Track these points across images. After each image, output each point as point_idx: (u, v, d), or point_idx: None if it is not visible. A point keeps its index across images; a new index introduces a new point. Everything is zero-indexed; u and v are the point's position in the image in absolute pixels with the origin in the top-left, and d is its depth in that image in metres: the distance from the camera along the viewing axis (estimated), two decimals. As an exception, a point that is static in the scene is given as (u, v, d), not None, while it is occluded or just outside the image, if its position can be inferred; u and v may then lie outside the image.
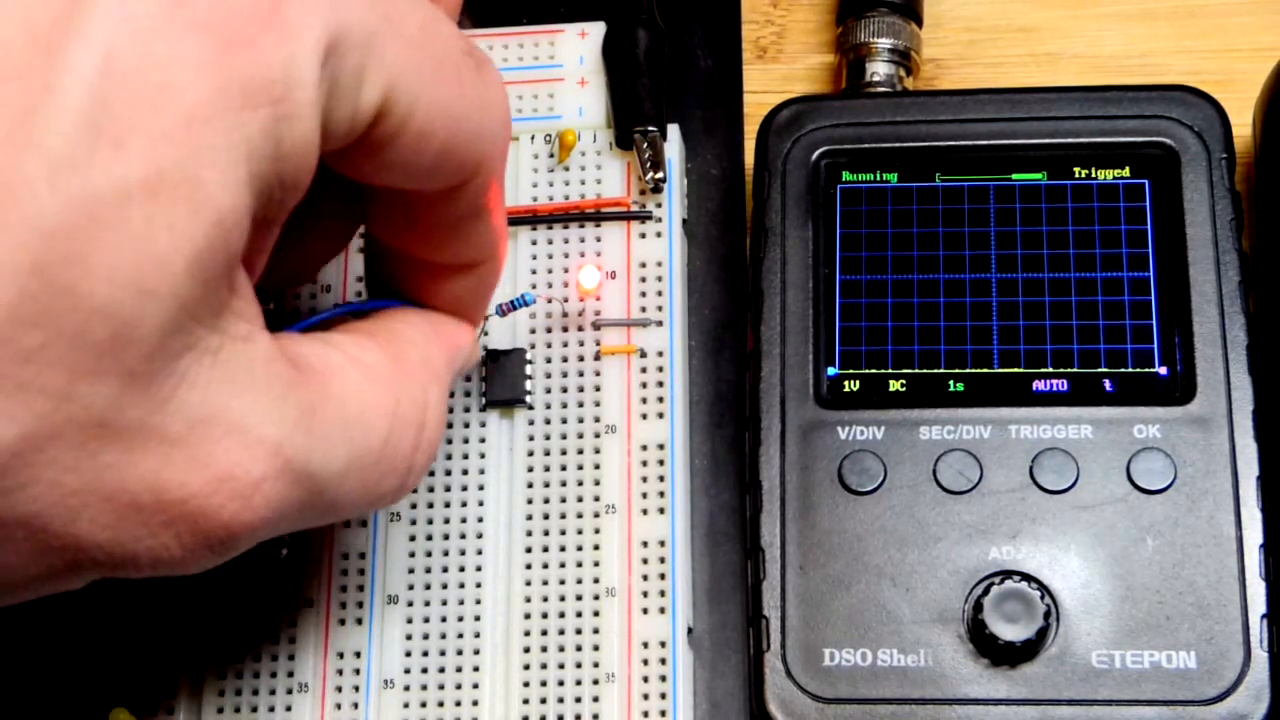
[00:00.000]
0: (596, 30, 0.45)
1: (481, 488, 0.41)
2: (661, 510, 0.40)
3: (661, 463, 0.41)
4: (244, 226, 0.26)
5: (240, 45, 0.26)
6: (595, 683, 0.39)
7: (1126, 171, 0.42)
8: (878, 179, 0.43)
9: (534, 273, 0.43)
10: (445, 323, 0.35)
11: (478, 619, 0.40)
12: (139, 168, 0.25)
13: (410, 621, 0.40)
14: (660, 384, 0.41)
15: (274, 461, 0.28)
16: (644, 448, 0.41)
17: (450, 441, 0.41)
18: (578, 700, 0.39)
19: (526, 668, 0.39)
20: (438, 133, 0.30)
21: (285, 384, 0.29)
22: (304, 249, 0.36)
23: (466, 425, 0.41)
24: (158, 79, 0.25)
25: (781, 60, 0.49)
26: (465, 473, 0.41)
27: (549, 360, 0.42)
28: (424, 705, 0.39)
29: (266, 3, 0.26)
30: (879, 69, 0.45)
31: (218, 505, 0.27)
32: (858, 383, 0.41)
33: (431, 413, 0.33)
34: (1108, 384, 0.41)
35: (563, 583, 0.40)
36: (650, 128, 0.43)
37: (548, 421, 0.41)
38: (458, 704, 0.39)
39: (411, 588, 0.40)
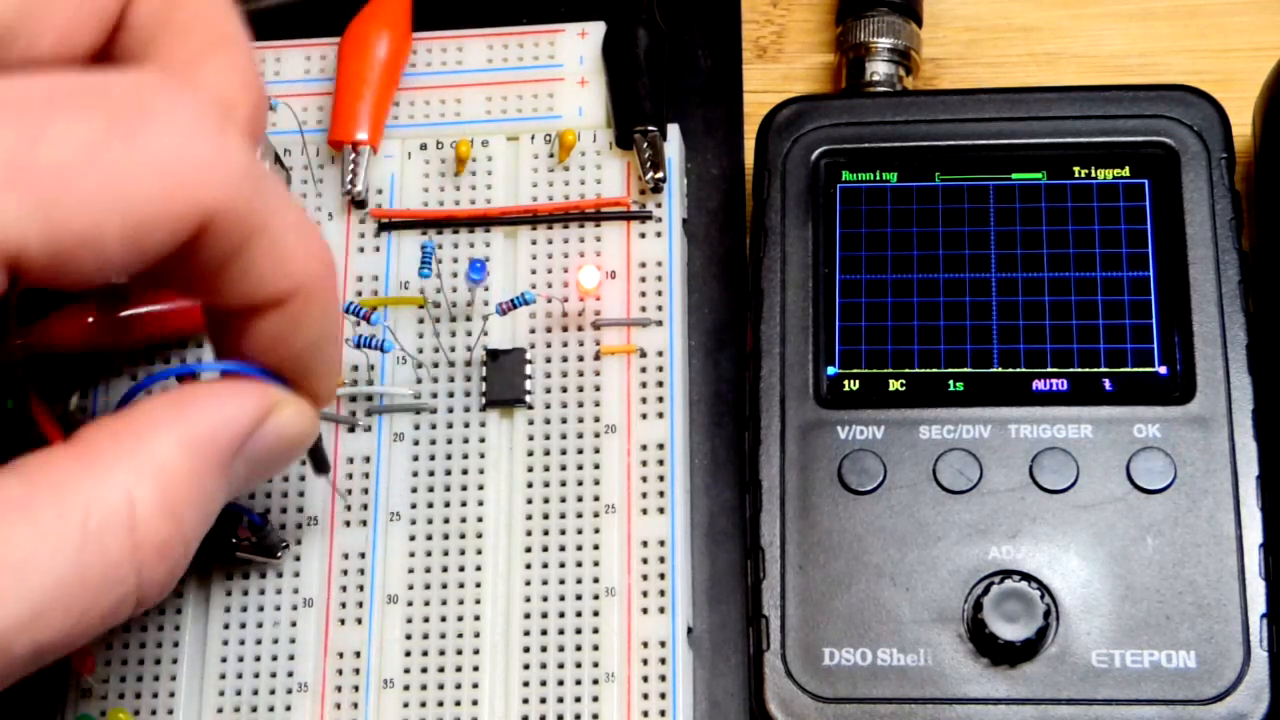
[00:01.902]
0: (596, 30, 0.45)
1: (481, 488, 0.41)
2: (661, 510, 0.40)
3: (661, 462, 0.41)
4: None
5: None
6: (595, 683, 0.39)
7: (1126, 171, 0.42)
8: (877, 179, 0.43)
9: (534, 272, 0.43)
10: (204, 394, 0.32)
11: (478, 619, 0.40)
12: None
13: (410, 621, 0.40)
14: (660, 384, 0.41)
15: None
16: (644, 447, 0.41)
17: (450, 441, 0.41)
18: (578, 700, 0.39)
19: (526, 668, 0.39)
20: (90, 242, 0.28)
21: None
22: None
23: (466, 425, 0.41)
24: None
25: (781, 60, 0.49)
26: (465, 473, 0.41)
27: (549, 360, 0.42)
28: (424, 705, 0.39)
29: None
30: (879, 68, 0.45)
31: None
32: (857, 382, 0.41)
33: (144, 509, 0.29)
34: (1107, 383, 0.41)
35: (563, 583, 0.40)
36: (650, 127, 0.43)
37: (547, 421, 0.41)
38: (457, 704, 0.39)
39: (411, 588, 0.40)
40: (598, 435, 0.41)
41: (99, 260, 0.28)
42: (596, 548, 0.40)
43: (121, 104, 0.28)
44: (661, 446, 0.41)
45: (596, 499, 0.40)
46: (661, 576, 0.40)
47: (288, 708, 0.40)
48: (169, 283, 0.31)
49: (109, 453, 0.29)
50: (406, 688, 0.39)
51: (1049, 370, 0.41)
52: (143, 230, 0.28)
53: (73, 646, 0.29)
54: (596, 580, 0.40)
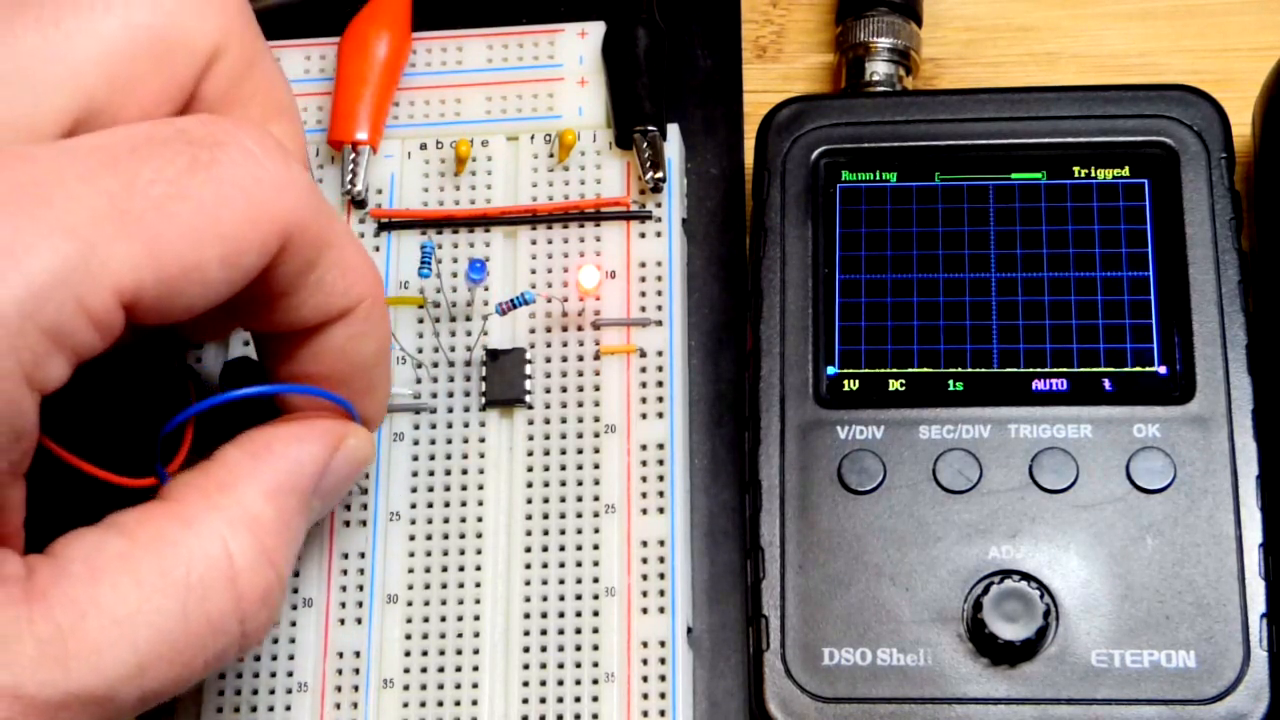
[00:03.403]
0: (596, 30, 0.45)
1: (481, 488, 0.41)
2: (661, 510, 0.40)
3: (661, 462, 0.41)
4: None
5: None
6: (595, 683, 0.39)
7: (1126, 171, 0.42)
8: (877, 178, 0.43)
9: (534, 272, 0.43)
10: (280, 440, 0.33)
11: (477, 619, 0.40)
12: None
13: (410, 621, 0.40)
14: (660, 384, 0.41)
15: (13, 707, 0.27)
16: (644, 447, 0.41)
17: (450, 441, 0.41)
18: (577, 700, 0.39)
19: (526, 667, 0.39)
20: (186, 276, 0.29)
21: (13, 621, 0.27)
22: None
23: (466, 425, 0.41)
24: None
25: (781, 60, 0.49)
26: (465, 473, 0.41)
27: (549, 360, 0.42)
28: (424, 705, 0.39)
29: None
30: (878, 68, 0.45)
31: None
32: (857, 382, 0.41)
33: (242, 560, 0.31)
34: (1107, 383, 0.41)
35: (562, 582, 0.40)
36: (650, 127, 0.43)
37: (547, 421, 0.41)
38: (457, 704, 0.39)
39: (411, 587, 0.40)
40: (597, 435, 0.41)
41: (203, 289, 0.30)
42: (596, 548, 0.40)
43: (196, 140, 0.30)
44: (661, 446, 0.41)
45: (596, 499, 0.40)
46: (661, 576, 0.40)
47: (288, 708, 0.40)
48: (243, 316, 0.33)
49: (201, 508, 0.31)
50: (406, 688, 0.39)
51: (1049, 370, 0.41)
52: (237, 252, 0.30)
53: (179, 691, 0.30)
54: (596, 580, 0.40)
